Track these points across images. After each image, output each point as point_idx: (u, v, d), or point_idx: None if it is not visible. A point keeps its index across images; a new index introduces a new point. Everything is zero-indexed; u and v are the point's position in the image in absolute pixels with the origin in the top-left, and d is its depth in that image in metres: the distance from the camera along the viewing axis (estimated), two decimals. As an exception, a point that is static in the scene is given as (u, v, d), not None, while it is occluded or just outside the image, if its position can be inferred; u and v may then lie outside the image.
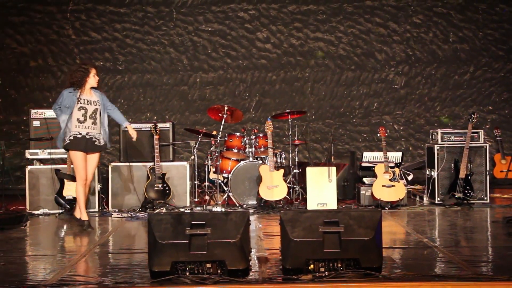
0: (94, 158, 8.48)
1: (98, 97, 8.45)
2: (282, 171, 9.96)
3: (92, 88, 8.43)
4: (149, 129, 10.25)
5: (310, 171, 9.82)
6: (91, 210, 9.96)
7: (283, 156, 10.57)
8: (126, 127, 8.98)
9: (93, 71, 8.37)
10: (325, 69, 13.55)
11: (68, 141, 8.31)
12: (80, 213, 8.55)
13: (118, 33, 13.40)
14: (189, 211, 9.34)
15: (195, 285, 5.44)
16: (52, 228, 8.98)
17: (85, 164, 8.39)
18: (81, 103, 8.30)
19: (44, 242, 8.04)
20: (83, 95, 8.32)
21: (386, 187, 9.89)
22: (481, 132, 10.47)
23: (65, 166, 9.85)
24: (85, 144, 8.33)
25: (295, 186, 10.37)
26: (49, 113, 10.30)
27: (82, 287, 5.53)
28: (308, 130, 13.22)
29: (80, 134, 8.31)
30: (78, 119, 8.29)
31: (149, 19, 13.43)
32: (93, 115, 8.36)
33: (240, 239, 5.60)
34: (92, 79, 8.36)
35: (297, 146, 10.67)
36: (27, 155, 10.23)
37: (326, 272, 5.60)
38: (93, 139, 8.37)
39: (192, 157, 10.23)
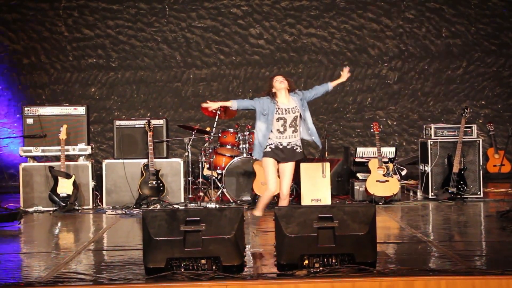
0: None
1: (296, 101, 7.90)
2: (276, 167, 9.95)
3: (290, 93, 7.92)
4: (142, 126, 10.24)
5: (304, 166, 9.83)
6: (85, 207, 9.96)
7: (277, 152, 10.55)
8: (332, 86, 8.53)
9: (276, 78, 7.91)
10: (318, 65, 13.55)
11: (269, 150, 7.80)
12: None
13: (111, 30, 13.36)
14: (183, 207, 9.33)
15: (190, 281, 5.45)
16: (46, 226, 8.97)
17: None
18: (279, 114, 7.76)
19: (39, 240, 8.04)
20: (279, 104, 7.81)
21: (380, 182, 9.91)
22: (474, 126, 10.49)
23: (59, 163, 9.84)
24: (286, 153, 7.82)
25: (289, 182, 10.36)
26: (43, 111, 10.29)
27: (77, 284, 5.54)
28: (302, 125, 13.20)
29: (281, 144, 7.79)
30: (278, 130, 7.78)
31: (142, 15, 13.40)
32: (293, 123, 7.85)
33: (234, 235, 5.61)
34: (277, 84, 7.83)
35: (291, 142, 10.65)
36: (21, 153, 10.20)
37: (321, 268, 5.61)
38: (294, 148, 7.86)
39: (186, 153, 10.23)
